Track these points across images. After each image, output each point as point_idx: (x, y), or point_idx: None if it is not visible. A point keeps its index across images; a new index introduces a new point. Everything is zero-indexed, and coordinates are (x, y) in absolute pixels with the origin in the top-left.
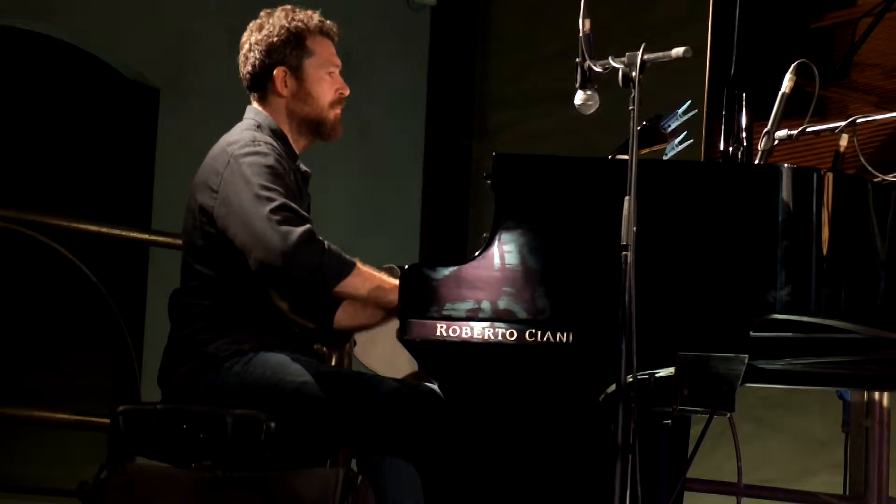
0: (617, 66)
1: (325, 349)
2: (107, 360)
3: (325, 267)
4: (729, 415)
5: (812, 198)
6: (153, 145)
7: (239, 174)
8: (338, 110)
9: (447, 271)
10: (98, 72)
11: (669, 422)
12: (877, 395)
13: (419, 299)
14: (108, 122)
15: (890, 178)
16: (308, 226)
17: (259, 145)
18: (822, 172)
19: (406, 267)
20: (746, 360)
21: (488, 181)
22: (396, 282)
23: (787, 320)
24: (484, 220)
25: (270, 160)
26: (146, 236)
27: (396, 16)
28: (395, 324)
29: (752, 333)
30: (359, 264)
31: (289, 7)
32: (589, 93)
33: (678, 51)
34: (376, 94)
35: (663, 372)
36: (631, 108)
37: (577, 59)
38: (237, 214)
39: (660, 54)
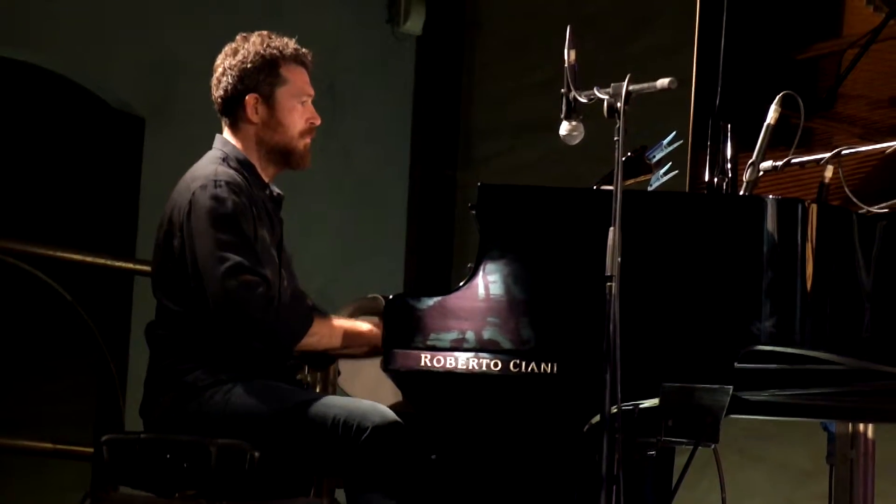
0: (602, 96)
1: (308, 378)
2: (90, 388)
3: (278, 333)
4: (713, 445)
5: (797, 229)
6: (138, 174)
7: (198, 220)
8: (307, 140)
9: (431, 301)
10: (83, 101)
11: (654, 452)
12: (861, 426)
13: (403, 329)
14: (93, 151)
15: (875, 209)
16: (260, 290)
17: (220, 186)
18: (807, 204)
19: (390, 297)
20: (731, 391)
21: (473, 211)
22: (361, 327)
23: (771, 351)
24: (468, 249)
25: (229, 205)
26: (130, 265)
27: (381, 45)
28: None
29: (736, 364)
30: (316, 321)
31: (265, 33)
32: (574, 123)
33: (663, 82)
34: (361, 124)
35: (648, 402)
36: (616, 138)
37: (563, 90)
38: (195, 266)
39: (645, 85)
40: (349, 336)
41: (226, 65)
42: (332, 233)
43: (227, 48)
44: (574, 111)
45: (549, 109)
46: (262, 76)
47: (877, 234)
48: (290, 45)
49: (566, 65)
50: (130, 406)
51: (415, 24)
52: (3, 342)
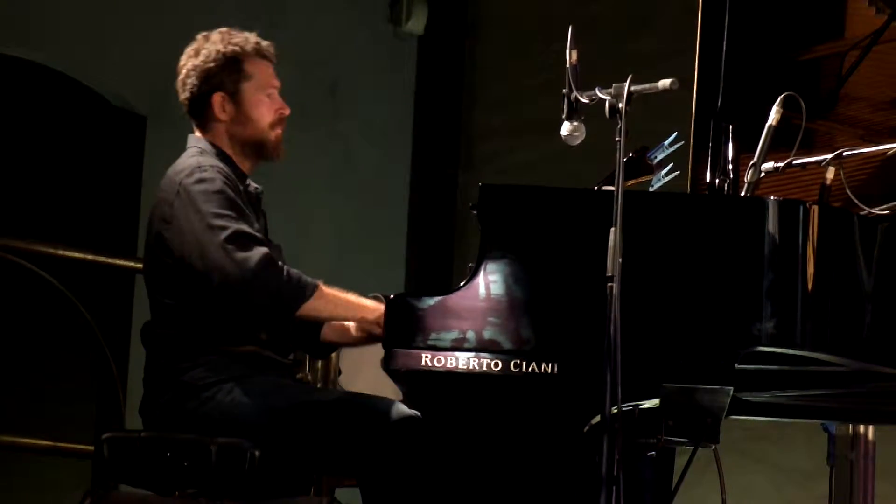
0: (603, 97)
1: (308, 376)
2: (91, 387)
3: (283, 292)
4: (713, 447)
5: (798, 230)
6: (139, 173)
7: (189, 203)
8: (279, 130)
9: (432, 301)
10: (84, 98)
11: (654, 453)
12: (862, 428)
13: (404, 329)
14: (95, 150)
15: (876, 211)
16: (265, 250)
17: (205, 170)
18: (809, 205)
19: (391, 296)
20: (731, 392)
21: (474, 211)
22: (366, 301)
23: (772, 352)
24: (469, 250)
25: (218, 184)
26: (132, 264)
27: (383, 45)
28: (379, 353)
29: (737, 365)
30: (322, 287)
31: (226, 30)
32: (575, 124)
33: (665, 82)
34: (362, 124)
35: (648, 403)
36: (617, 139)
37: (564, 90)
38: (192, 245)
39: (646, 86)
40: (353, 307)
41: (189, 66)
42: (333, 232)
43: (189, 49)
44: (575, 111)
45: (550, 110)
46: (225, 73)
47: (878, 236)
48: (252, 39)
49: (568, 65)
50: (131, 404)
51: (417, 24)
52: (4, 340)
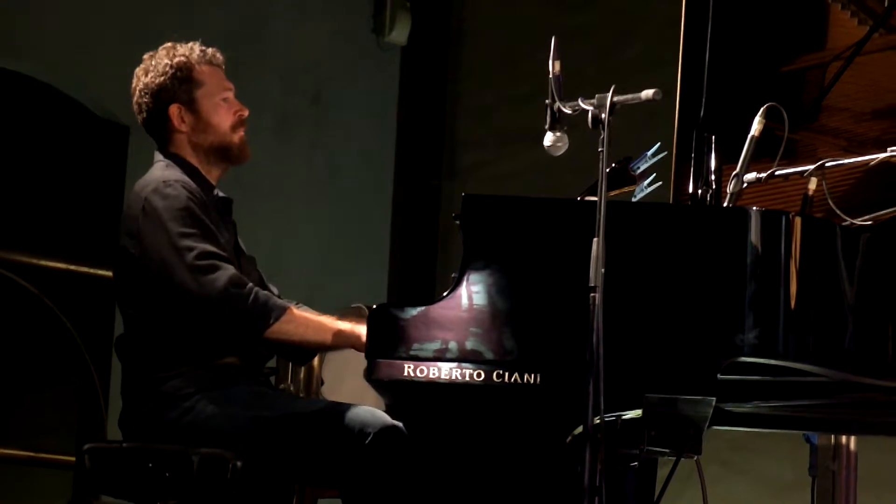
0: (587, 107)
1: (291, 387)
2: (73, 397)
3: (251, 314)
4: (696, 457)
5: (780, 241)
6: (122, 183)
7: (155, 221)
8: (241, 132)
9: (415, 311)
10: (68, 109)
11: (636, 464)
12: (844, 438)
13: (387, 339)
14: (78, 160)
15: (858, 221)
16: (231, 271)
17: (170, 185)
18: (791, 216)
19: (374, 307)
20: (714, 403)
21: (457, 221)
22: (341, 325)
23: (754, 363)
24: (452, 260)
25: (183, 200)
26: None
27: (366, 56)
28: (362, 363)
29: (719, 376)
30: (292, 310)
31: (170, 44)
32: (558, 134)
33: (648, 93)
34: (346, 134)
35: (631, 414)
36: (600, 149)
37: (547, 101)
38: (158, 264)
39: (629, 96)
40: (325, 330)
41: (140, 86)
42: (316, 242)
43: (138, 70)
44: (558, 122)
45: (534, 120)
46: (177, 85)
47: (860, 247)
48: (196, 48)
49: (551, 76)
50: (112, 415)
51: (400, 34)
52: None
